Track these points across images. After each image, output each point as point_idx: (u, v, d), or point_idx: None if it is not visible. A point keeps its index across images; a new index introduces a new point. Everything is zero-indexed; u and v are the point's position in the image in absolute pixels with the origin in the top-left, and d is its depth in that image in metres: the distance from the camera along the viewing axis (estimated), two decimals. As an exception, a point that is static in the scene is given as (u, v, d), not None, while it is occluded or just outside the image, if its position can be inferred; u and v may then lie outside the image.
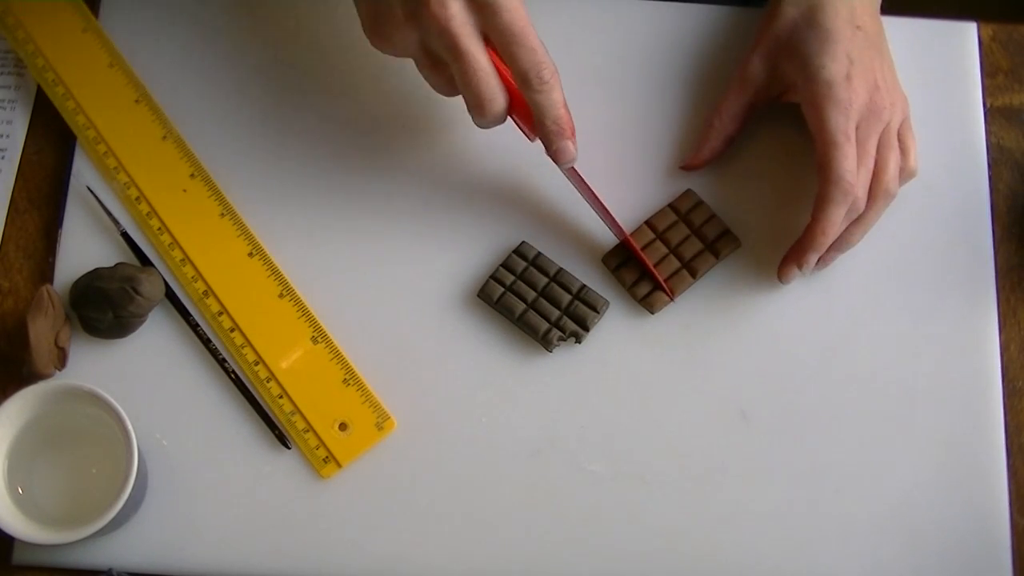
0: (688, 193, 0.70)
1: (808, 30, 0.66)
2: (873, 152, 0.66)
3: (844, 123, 0.64)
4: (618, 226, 0.68)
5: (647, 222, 0.70)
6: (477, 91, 0.61)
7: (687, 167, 0.71)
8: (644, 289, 0.68)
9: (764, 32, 0.69)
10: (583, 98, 0.67)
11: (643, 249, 0.69)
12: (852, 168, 0.64)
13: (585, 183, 0.67)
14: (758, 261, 0.69)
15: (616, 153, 0.72)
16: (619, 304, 0.69)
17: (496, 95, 0.61)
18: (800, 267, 0.67)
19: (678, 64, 0.74)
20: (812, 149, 0.66)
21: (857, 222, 0.67)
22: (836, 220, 0.65)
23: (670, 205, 0.70)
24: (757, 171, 0.71)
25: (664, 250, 0.69)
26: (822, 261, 0.68)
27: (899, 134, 0.67)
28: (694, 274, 0.68)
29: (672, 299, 0.68)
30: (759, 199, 0.71)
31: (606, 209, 0.68)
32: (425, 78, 0.64)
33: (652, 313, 0.68)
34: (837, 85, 0.65)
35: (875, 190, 0.66)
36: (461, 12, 0.59)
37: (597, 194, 0.67)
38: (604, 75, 0.73)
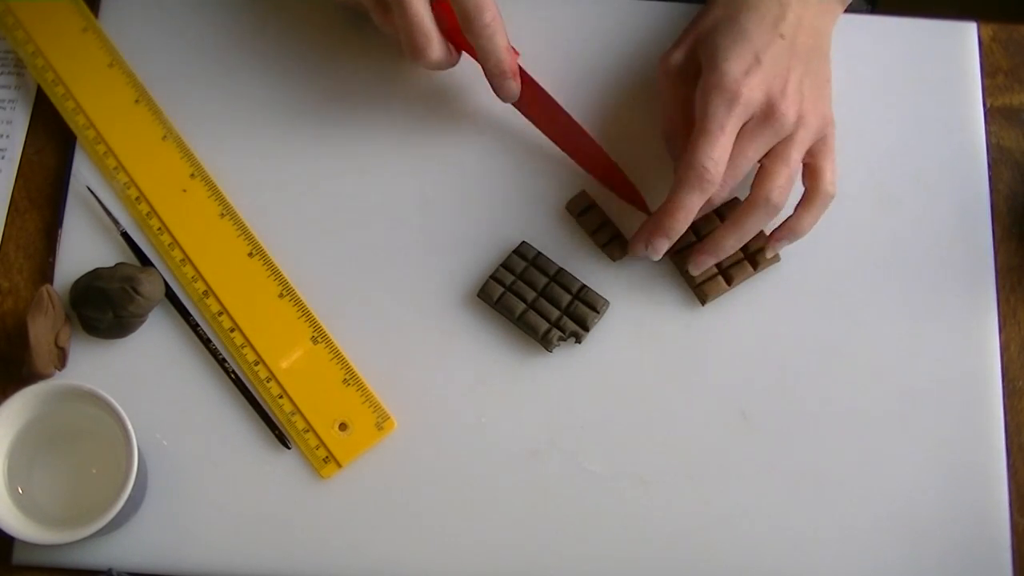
0: (736, 202, 0.70)
1: (726, 26, 0.65)
2: (752, 157, 0.63)
3: (723, 114, 0.62)
4: (590, 153, 0.69)
5: (691, 225, 0.69)
6: (410, 36, 0.64)
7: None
8: (605, 237, 0.69)
9: (690, 27, 0.68)
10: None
11: (682, 251, 0.68)
12: (716, 158, 0.62)
13: (550, 112, 0.69)
14: (770, 269, 0.69)
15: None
16: (619, 304, 0.69)
17: (430, 41, 0.64)
18: (647, 248, 0.65)
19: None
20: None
21: (731, 228, 0.65)
22: (687, 206, 0.63)
23: (716, 211, 0.69)
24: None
25: None
26: (694, 263, 0.66)
27: (813, 153, 0.65)
28: (729, 282, 0.68)
29: (633, 255, 0.68)
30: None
31: (579, 136, 0.69)
32: (379, 26, 0.67)
33: (613, 260, 0.69)
34: (729, 77, 0.63)
35: (754, 197, 0.64)
36: None
37: (566, 118, 0.69)
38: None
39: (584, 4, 0.75)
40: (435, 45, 0.64)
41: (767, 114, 0.63)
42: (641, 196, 0.70)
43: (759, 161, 0.64)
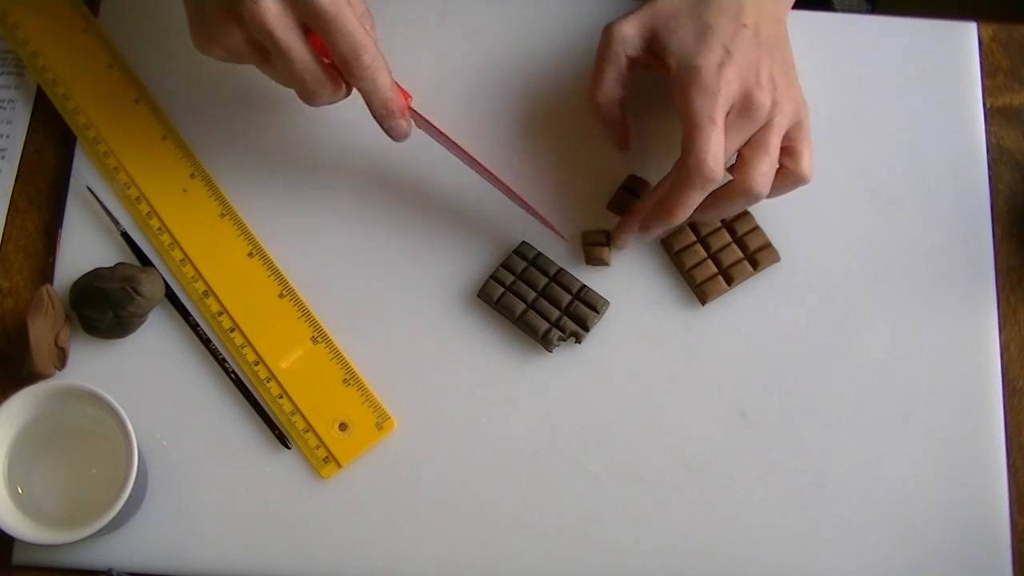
0: (747, 216, 0.70)
1: (688, 20, 0.65)
2: (732, 149, 0.64)
3: (709, 107, 0.62)
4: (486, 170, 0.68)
5: (690, 224, 0.69)
6: (301, 83, 0.62)
7: (623, 147, 0.70)
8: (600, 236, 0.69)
9: (646, 6, 0.67)
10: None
11: (682, 251, 0.68)
12: (715, 154, 0.62)
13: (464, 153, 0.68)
14: (769, 269, 0.69)
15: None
16: (619, 304, 0.69)
17: (319, 84, 0.62)
18: (639, 237, 0.67)
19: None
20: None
21: (712, 206, 0.65)
22: (691, 204, 0.63)
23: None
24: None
25: (703, 254, 0.69)
26: (648, 228, 0.67)
27: (791, 136, 0.65)
28: (729, 282, 0.68)
29: (621, 245, 0.68)
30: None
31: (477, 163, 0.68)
32: (266, 74, 0.65)
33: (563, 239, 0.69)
34: (706, 71, 0.63)
35: (736, 186, 0.64)
36: (275, 4, 0.60)
37: (467, 156, 0.68)
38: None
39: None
40: (327, 88, 0.63)
41: (745, 105, 0.63)
42: (550, 223, 0.69)
43: (739, 150, 0.65)
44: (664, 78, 0.66)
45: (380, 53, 0.62)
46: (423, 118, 0.67)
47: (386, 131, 0.65)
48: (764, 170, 0.63)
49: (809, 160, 0.66)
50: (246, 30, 0.61)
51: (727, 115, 0.63)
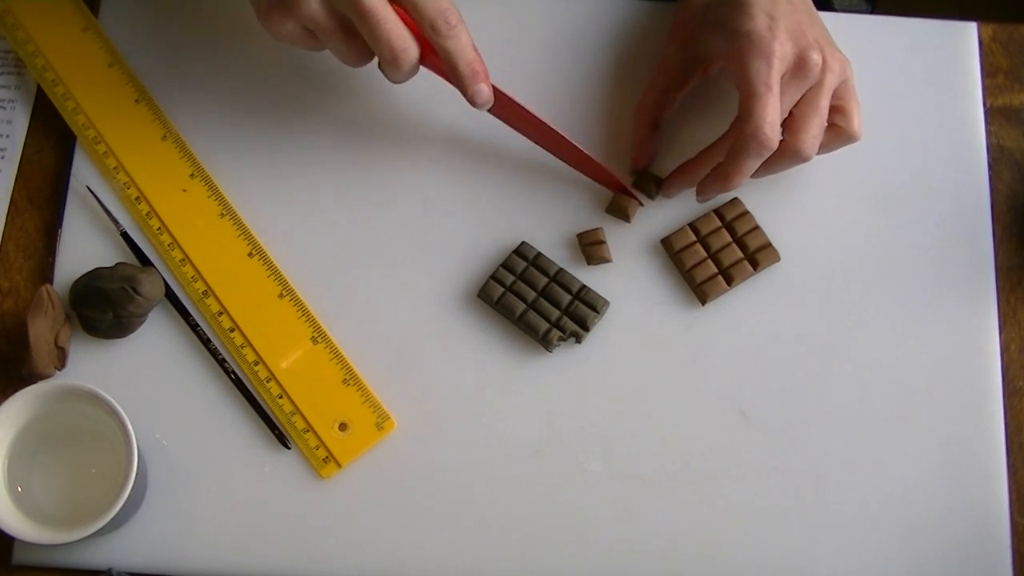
0: (735, 202, 0.70)
1: (721, 4, 0.66)
2: (786, 109, 0.64)
3: (766, 72, 0.63)
4: (564, 148, 0.69)
5: (690, 224, 0.70)
6: (389, 44, 0.62)
7: (634, 166, 0.71)
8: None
9: (676, 19, 0.69)
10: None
11: (682, 251, 0.69)
12: (772, 121, 0.62)
13: (549, 133, 0.68)
14: (769, 269, 0.69)
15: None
16: (619, 304, 0.69)
17: (408, 45, 0.62)
18: (699, 195, 0.67)
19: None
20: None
21: (762, 168, 0.66)
22: (748, 171, 0.64)
23: (715, 211, 0.70)
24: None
25: (703, 254, 0.69)
26: (706, 188, 0.67)
27: (839, 95, 0.66)
28: (729, 282, 0.68)
29: (672, 194, 0.70)
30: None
31: (583, 157, 0.69)
32: (335, 51, 0.64)
33: (651, 198, 0.70)
34: (758, 35, 0.63)
35: (786, 147, 0.64)
36: None
37: (535, 119, 0.68)
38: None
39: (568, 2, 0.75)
40: (413, 47, 0.63)
41: (799, 65, 0.64)
42: (625, 187, 0.70)
43: (790, 111, 0.65)
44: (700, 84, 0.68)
45: (461, 15, 0.62)
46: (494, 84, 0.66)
47: (471, 97, 0.65)
48: (815, 132, 0.64)
49: (859, 117, 0.67)
50: None
51: (782, 78, 0.63)
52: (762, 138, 0.62)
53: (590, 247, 0.69)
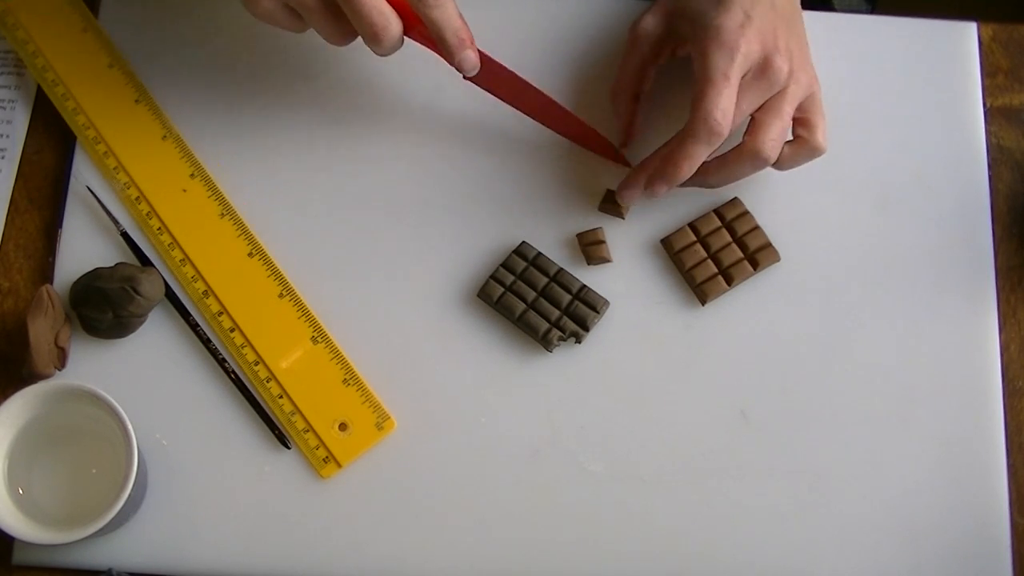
0: (735, 201, 0.70)
1: None
2: (746, 110, 0.64)
3: (726, 64, 0.62)
4: (559, 117, 0.69)
5: (690, 224, 0.70)
6: (369, 20, 0.61)
7: (621, 145, 0.71)
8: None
9: None
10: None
11: (682, 251, 0.69)
12: (724, 109, 0.62)
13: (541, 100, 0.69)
14: (769, 269, 0.69)
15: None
16: (619, 304, 0.69)
17: (388, 21, 0.62)
18: (645, 190, 0.66)
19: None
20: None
21: (720, 168, 0.65)
22: (696, 157, 0.63)
23: (715, 211, 0.70)
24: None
25: (703, 254, 0.69)
26: (657, 182, 0.66)
27: (805, 108, 0.66)
28: (729, 282, 0.68)
29: (628, 200, 0.69)
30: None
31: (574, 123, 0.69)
32: (318, 29, 0.64)
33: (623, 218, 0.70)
34: (727, 30, 0.63)
35: (745, 148, 0.64)
36: None
37: (528, 87, 0.68)
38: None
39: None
40: (394, 23, 0.62)
41: (763, 67, 0.64)
42: (615, 150, 0.70)
43: (751, 115, 0.65)
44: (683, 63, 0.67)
45: None
46: (482, 51, 0.66)
47: (458, 64, 0.64)
48: (774, 135, 0.64)
49: (823, 131, 0.66)
50: None
51: (744, 76, 0.63)
52: (711, 122, 0.62)
53: (590, 247, 0.69)
